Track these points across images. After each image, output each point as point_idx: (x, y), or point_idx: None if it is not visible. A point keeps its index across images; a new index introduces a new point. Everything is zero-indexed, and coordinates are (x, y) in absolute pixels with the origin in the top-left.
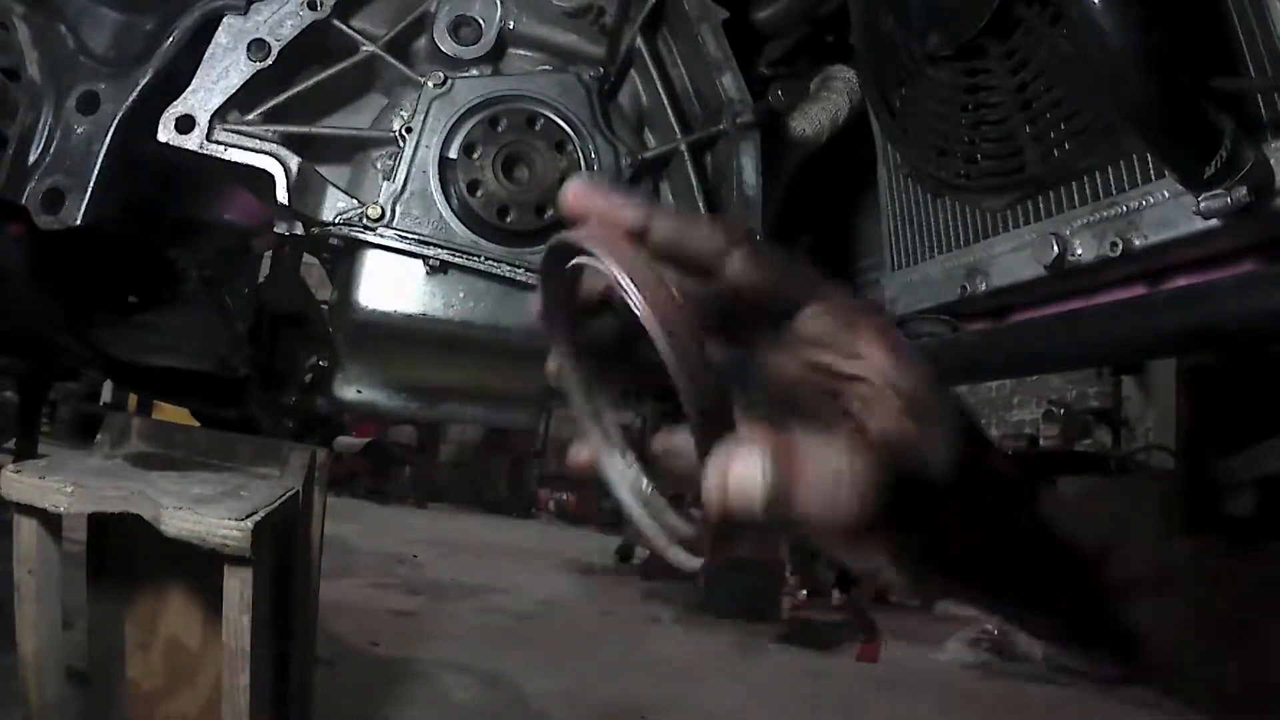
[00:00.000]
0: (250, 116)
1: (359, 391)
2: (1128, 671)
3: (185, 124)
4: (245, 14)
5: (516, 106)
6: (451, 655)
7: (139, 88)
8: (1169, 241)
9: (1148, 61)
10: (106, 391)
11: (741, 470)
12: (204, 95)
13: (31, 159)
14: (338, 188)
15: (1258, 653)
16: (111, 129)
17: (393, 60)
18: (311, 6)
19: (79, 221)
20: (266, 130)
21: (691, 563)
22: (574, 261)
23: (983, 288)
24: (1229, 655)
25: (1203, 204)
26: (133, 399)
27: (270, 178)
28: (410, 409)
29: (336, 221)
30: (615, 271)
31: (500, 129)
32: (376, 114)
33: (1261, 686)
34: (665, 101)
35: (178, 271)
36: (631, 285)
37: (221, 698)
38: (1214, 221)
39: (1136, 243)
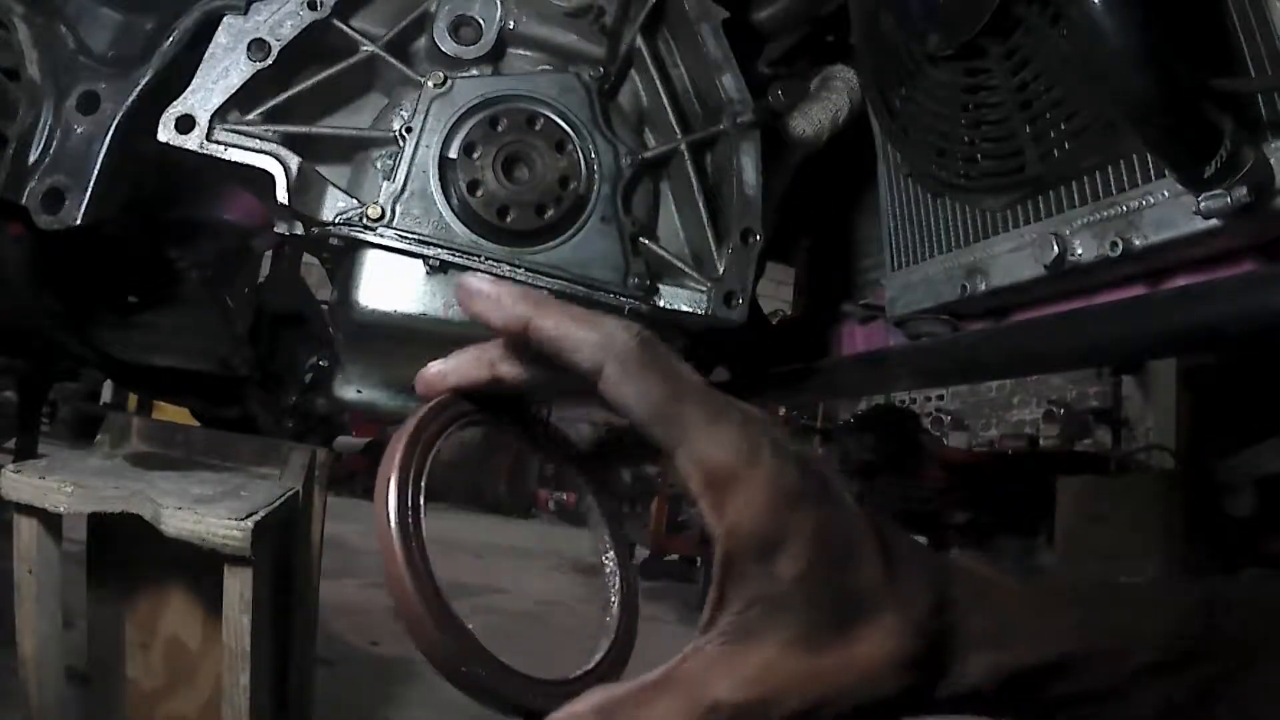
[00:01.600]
0: (250, 116)
1: (359, 391)
2: None
3: (185, 124)
4: (245, 14)
5: (516, 106)
6: None
7: (139, 88)
8: (1169, 241)
9: (1148, 61)
10: (106, 391)
11: None
12: (204, 95)
13: (31, 159)
14: (338, 188)
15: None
16: (111, 129)
17: (393, 60)
18: (311, 6)
19: (79, 221)
20: (266, 130)
21: None
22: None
23: (983, 288)
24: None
25: (1203, 204)
26: (133, 399)
27: (270, 178)
28: (410, 409)
29: (336, 221)
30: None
31: (500, 129)
32: (376, 114)
33: None
34: (665, 101)
35: (178, 271)
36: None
37: (221, 698)
38: (1214, 221)
39: (1136, 243)
